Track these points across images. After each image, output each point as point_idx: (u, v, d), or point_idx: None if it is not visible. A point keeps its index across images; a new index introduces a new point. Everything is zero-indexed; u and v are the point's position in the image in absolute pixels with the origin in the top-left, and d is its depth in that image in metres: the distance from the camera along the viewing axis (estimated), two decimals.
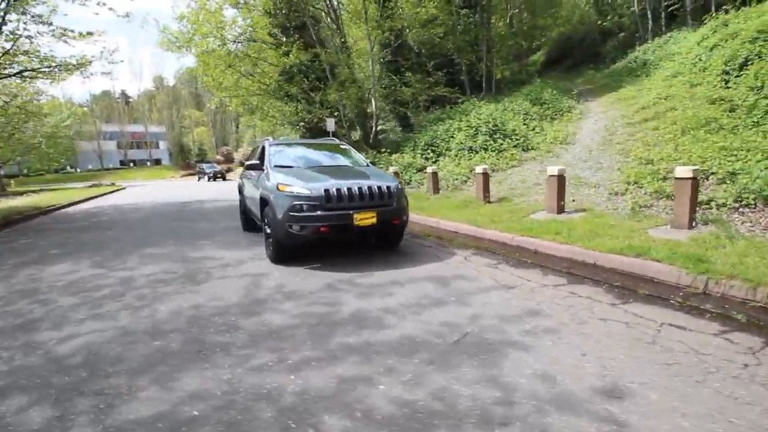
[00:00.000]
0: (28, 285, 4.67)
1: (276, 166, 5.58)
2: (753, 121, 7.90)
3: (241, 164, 42.14)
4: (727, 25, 14.08)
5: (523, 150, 11.43)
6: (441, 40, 17.89)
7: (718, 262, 3.79)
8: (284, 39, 14.11)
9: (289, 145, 6.34)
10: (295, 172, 5.30)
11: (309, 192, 4.61)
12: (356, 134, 17.24)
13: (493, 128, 12.01)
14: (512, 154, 11.11)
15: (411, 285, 4.08)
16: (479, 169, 8.04)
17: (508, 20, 20.22)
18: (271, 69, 15.39)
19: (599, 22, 25.07)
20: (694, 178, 4.82)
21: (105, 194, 20.60)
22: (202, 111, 59.80)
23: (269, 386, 2.36)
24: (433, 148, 12.60)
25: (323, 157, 6.20)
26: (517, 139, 11.70)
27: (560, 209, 6.44)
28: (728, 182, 6.04)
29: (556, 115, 14.21)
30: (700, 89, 11.37)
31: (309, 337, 2.98)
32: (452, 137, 12.51)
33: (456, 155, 11.88)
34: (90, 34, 11.66)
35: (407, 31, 16.35)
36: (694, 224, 4.89)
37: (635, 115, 12.08)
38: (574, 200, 7.15)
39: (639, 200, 6.41)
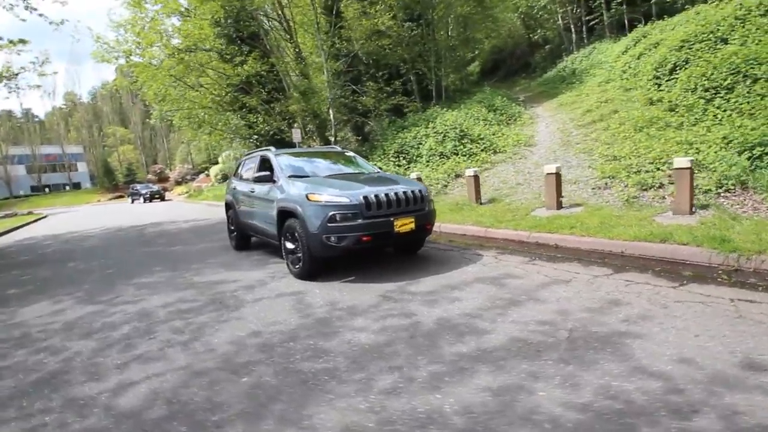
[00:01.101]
0: (11, 332, 3.85)
1: (291, 176, 5.21)
2: (695, 118, 8.90)
3: (179, 183, 39.33)
4: (646, 36, 15.94)
5: (492, 153, 11.90)
6: (390, 52, 18.17)
7: (739, 241, 4.18)
8: (237, 48, 13.39)
9: (294, 154, 5.97)
10: (318, 181, 4.99)
11: (348, 200, 4.34)
12: (315, 144, 16.84)
13: (461, 134, 12.38)
14: (483, 158, 11.51)
15: (468, 288, 3.98)
16: (470, 172, 8.20)
17: (448, 33, 21.10)
18: (222, 80, 14.54)
19: (527, 36, 27.19)
20: (690, 168, 5.31)
21: (26, 224, 17.95)
22: (127, 128, 54.79)
23: (423, 409, 2.13)
24: (404, 155, 12.67)
25: (335, 165, 5.91)
26: (484, 143, 12.16)
27: (559, 205, 6.75)
28: (697, 171, 6.76)
29: (509, 120, 15.02)
30: (636, 93, 12.67)
31: (416, 352, 2.76)
32: (421, 144, 12.68)
33: (428, 161, 12.05)
34: (23, 41, 10.14)
35: (357, 43, 16.36)
36: (693, 210, 5.38)
37: (583, 117, 13.10)
38: (563, 196, 7.55)
39: (626, 192, 6.93)
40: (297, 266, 4.76)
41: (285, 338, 3.14)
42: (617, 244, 4.88)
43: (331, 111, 15.71)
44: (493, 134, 13.13)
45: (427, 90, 20.09)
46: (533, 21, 26.12)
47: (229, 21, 14.07)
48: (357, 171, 5.81)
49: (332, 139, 16.32)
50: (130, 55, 12.59)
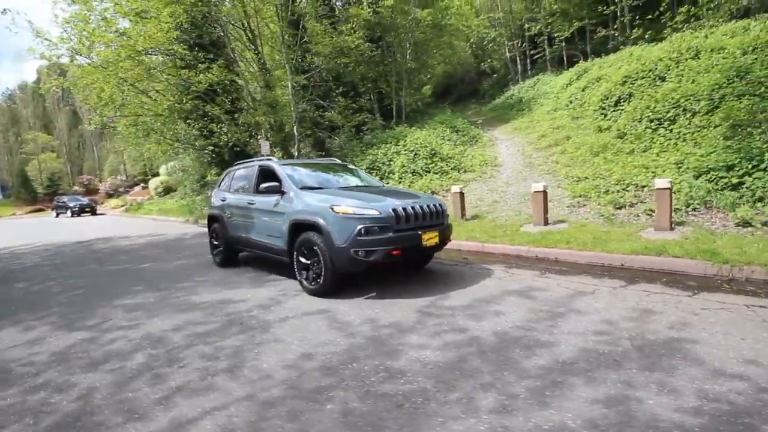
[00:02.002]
0: (3, 367, 3.19)
1: (303, 188, 4.96)
2: (644, 145, 9.90)
3: (110, 196, 35.71)
4: (587, 71, 17.63)
5: (461, 172, 12.31)
6: (351, 70, 18.35)
7: (727, 254, 4.66)
8: (200, 55, 12.70)
9: (299, 165, 5.69)
10: (337, 192, 4.79)
11: (378, 213, 4.20)
12: (278, 157, 16.31)
13: (431, 152, 12.69)
14: (454, 176, 11.87)
15: (503, 302, 4.00)
16: (455, 189, 8.40)
17: (406, 57, 21.81)
18: (180, 87, 13.68)
19: (476, 65, 28.88)
20: (670, 189, 5.87)
21: None
22: (51, 134, 48.87)
23: (547, 426, 2.06)
24: (375, 171, 12.68)
25: (342, 178, 5.73)
26: (454, 162, 12.56)
27: (545, 221, 7.11)
28: (650, 193, 7.49)
29: (471, 141, 15.71)
30: (584, 121, 13.88)
31: (496, 367, 2.69)
32: (392, 161, 12.79)
33: (400, 178, 12.16)
34: None
35: (319, 58, 16.32)
36: (673, 226, 5.92)
37: (539, 141, 14.05)
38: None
39: (600, 211, 7.48)
40: (314, 283, 4.49)
41: (344, 359, 2.91)
42: (616, 258, 5.22)
43: (295, 126, 15.41)
44: (460, 154, 13.63)
45: (388, 109, 20.48)
46: (481, 51, 27.85)
47: (192, 26, 13.38)
48: (365, 184, 5.69)
49: (295, 153, 15.95)
50: (77, 54, 11.42)
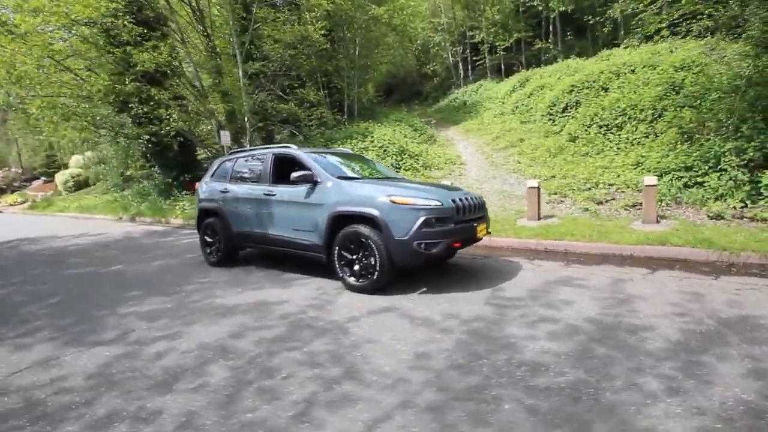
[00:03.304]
0: (27, 397, 2.44)
1: (340, 177, 4.59)
2: (598, 148, 10.90)
3: (2, 191, 29.90)
4: (528, 80, 18.94)
5: (430, 169, 12.48)
6: (303, 63, 17.68)
7: (720, 242, 5.28)
8: (146, 31, 11.24)
9: (319, 154, 5.25)
10: (381, 182, 4.52)
11: (440, 204, 4.03)
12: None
13: (400, 149, 12.68)
14: (425, 174, 11.99)
15: (559, 292, 4.06)
16: (446, 184, 8.44)
17: (356, 53, 21.60)
18: (118, 66, 12.00)
19: (418, 67, 29.55)
20: (655, 186, 6.50)
21: None
22: None
23: (733, 400, 2.11)
24: None
25: (365, 168, 5.42)
26: (422, 160, 12.68)
27: (539, 216, 7.47)
28: (625, 190, 8.30)
29: (429, 140, 16.01)
30: (533, 125, 14.92)
31: (627, 353, 2.70)
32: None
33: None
34: None
35: (268, 45, 15.47)
36: (659, 219, 6.57)
37: (495, 142, 14.77)
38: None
39: (581, 206, 8.05)
40: (362, 279, 4.18)
41: (467, 356, 2.73)
42: (625, 248, 5.63)
43: (246, 116, 14.39)
44: (425, 152, 13.81)
45: (337, 105, 20.08)
46: (423, 55, 28.55)
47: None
48: (392, 175, 5.46)
49: (247, 145, 14.91)
50: None
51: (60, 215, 16.96)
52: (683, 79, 10.77)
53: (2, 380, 2.70)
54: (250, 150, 5.87)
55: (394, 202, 4.01)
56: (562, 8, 20.74)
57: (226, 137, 11.46)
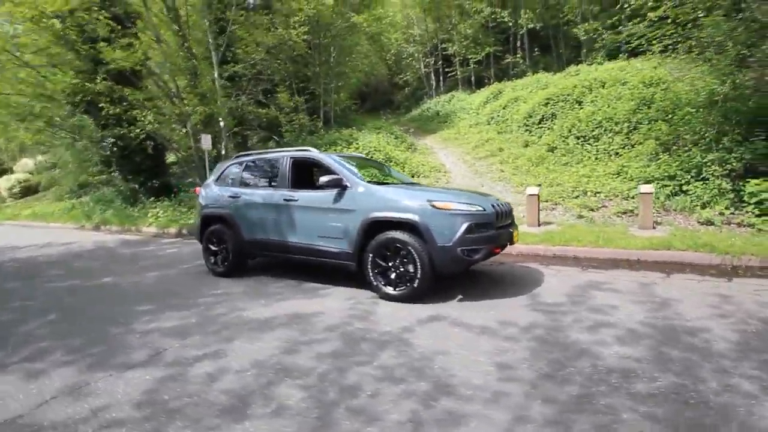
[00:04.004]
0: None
1: (373, 182, 4.43)
2: (578, 159, 11.37)
3: None
4: (501, 92, 19.56)
5: (417, 177, 12.49)
6: (279, 68, 17.31)
7: (720, 246, 5.59)
8: (119, 27, 10.51)
9: (341, 157, 5.03)
10: (414, 188, 4.40)
11: (483, 209, 3.96)
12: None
13: (386, 156, 12.62)
14: (413, 181, 11.99)
15: (595, 296, 4.08)
16: None
17: (331, 60, 21.47)
18: (86, 64, 11.12)
19: (389, 76, 29.79)
20: (651, 193, 6.82)
21: None
22: None
23: None
24: None
25: (385, 173, 5.28)
26: (408, 167, 12.68)
27: (539, 222, 7.62)
28: (613, 198, 8.68)
29: (410, 148, 16.08)
30: (509, 136, 15.38)
31: (715, 356, 2.72)
32: None
33: None
34: None
35: (252, 51, 15.08)
36: (654, 225, 6.88)
37: (475, 151, 15.08)
38: (524, 215, 8.53)
39: (575, 213, 8.32)
40: (400, 288, 4.02)
41: (551, 365, 2.65)
42: (632, 253, 5.83)
43: (221, 121, 13.81)
44: (408, 160, 13.82)
45: (313, 111, 19.80)
46: (395, 65, 28.85)
47: None
48: (409, 181, 5.36)
49: (223, 151, 14.30)
50: None
51: (9, 223, 15.39)
52: (653, 95, 11.47)
53: (29, 414, 2.30)
54: (260, 153, 5.56)
55: (435, 208, 3.90)
56: (531, 25, 21.71)
57: (207, 141, 10.90)
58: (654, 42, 10.18)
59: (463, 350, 2.89)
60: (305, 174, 5.41)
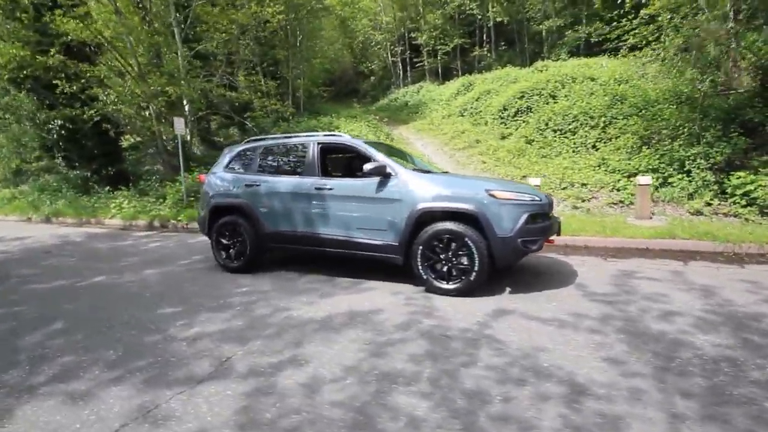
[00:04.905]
0: None
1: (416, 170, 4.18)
2: (556, 151, 11.75)
3: None
4: (471, 84, 19.80)
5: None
6: (246, 48, 16.32)
7: (720, 235, 5.95)
8: None
9: (374, 145, 4.71)
10: (459, 176, 4.23)
11: (539, 199, 3.87)
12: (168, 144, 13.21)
13: None
14: None
15: (636, 287, 4.09)
16: None
17: (299, 43, 20.60)
18: (32, 36, 9.71)
19: (355, 64, 29.18)
20: (649, 185, 7.13)
21: None
22: None
23: None
24: None
25: (411, 161, 5.05)
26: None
27: None
28: (600, 189, 9.05)
29: (387, 138, 15.86)
30: (485, 128, 15.62)
31: None
32: None
33: None
34: None
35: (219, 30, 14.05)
36: (651, 216, 7.21)
37: (452, 142, 15.16)
38: None
39: (575, 204, 8.55)
40: (455, 281, 3.85)
41: (664, 357, 2.60)
42: (640, 242, 6.06)
43: (187, 104, 12.78)
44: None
45: (282, 97, 18.95)
46: (362, 52, 28.30)
47: None
48: (435, 170, 5.16)
49: (188, 137, 13.26)
50: None
51: None
52: (624, 92, 12.06)
53: None
54: (279, 137, 5.10)
55: (495, 198, 3.75)
56: (499, 19, 22.10)
57: (180, 125, 9.99)
58: (626, 39, 10.70)
59: (559, 345, 2.78)
60: (335, 161, 5.04)
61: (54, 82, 9.32)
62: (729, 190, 7.14)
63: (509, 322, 3.20)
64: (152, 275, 4.95)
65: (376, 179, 4.14)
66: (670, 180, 8.12)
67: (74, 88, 9.46)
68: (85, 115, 10.70)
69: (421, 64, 24.92)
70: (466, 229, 3.75)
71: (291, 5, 15.70)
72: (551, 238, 4.06)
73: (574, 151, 11.28)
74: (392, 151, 5.35)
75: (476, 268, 3.74)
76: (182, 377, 2.47)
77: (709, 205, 7.16)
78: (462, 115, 18.00)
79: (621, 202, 8.22)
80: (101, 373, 2.55)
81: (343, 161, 5.46)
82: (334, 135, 4.78)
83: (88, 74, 9.59)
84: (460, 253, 3.81)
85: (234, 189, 4.92)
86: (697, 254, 5.52)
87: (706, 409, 2.04)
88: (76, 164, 13.68)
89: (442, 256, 3.90)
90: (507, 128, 14.68)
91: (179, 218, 9.37)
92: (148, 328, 3.25)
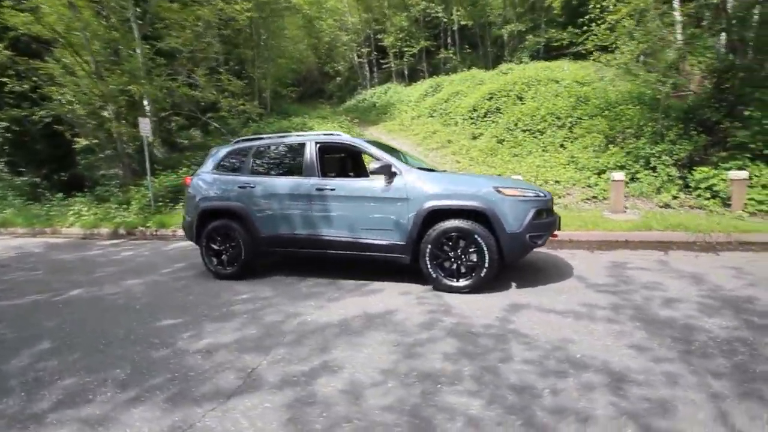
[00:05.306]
0: None
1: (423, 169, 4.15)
2: (528, 150, 12.15)
3: None
4: (439, 85, 20.11)
5: None
6: (207, 46, 15.73)
7: (691, 226, 6.35)
8: None
9: (372, 144, 4.62)
10: (462, 174, 4.22)
11: (543, 195, 3.95)
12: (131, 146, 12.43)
13: None
14: None
15: (631, 276, 4.28)
16: None
17: (260, 42, 20.12)
18: None
19: (319, 65, 28.83)
20: (624, 181, 7.50)
21: None
22: None
23: None
24: None
25: (408, 159, 5.01)
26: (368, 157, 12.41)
27: None
28: (572, 186, 9.44)
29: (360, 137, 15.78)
30: (455, 128, 15.90)
31: None
32: None
33: None
34: None
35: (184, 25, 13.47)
36: (624, 209, 7.59)
37: (425, 143, 15.34)
38: None
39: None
40: (465, 278, 3.85)
41: (684, 343, 2.71)
42: (618, 235, 6.36)
43: (148, 105, 12.10)
44: None
45: (250, 97, 18.41)
46: (327, 53, 28.00)
47: None
48: (432, 167, 5.17)
49: (150, 138, 12.57)
50: None
51: None
52: (587, 94, 12.66)
53: None
54: (274, 137, 4.90)
55: (503, 194, 3.79)
56: (463, 22, 22.59)
57: (146, 126, 9.43)
58: (585, 44, 11.26)
59: (584, 336, 2.84)
60: (329, 161, 4.91)
61: (2, 80, 8.50)
62: (692, 184, 7.66)
63: (527, 316, 3.23)
64: (136, 286, 4.61)
65: (380, 178, 4.08)
66: (637, 176, 8.60)
67: (25, 86, 8.67)
68: (35, 116, 9.87)
69: (387, 65, 25.00)
70: (475, 226, 3.77)
71: (257, 3, 15.28)
72: (555, 233, 4.16)
73: (544, 150, 11.68)
74: (389, 150, 5.29)
75: (486, 265, 3.77)
76: (209, 392, 2.30)
77: (676, 198, 7.65)
78: (432, 116, 18.24)
79: (594, 197, 8.60)
80: (114, 395, 2.33)
81: (336, 161, 5.34)
82: (332, 134, 4.67)
83: (41, 71, 8.82)
84: (470, 250, 3.82)
85: (226, 191, 4.68)
86: (674, 244, 5.86)
87: (739, 387, 2.15)
88: (23, 170, 12.61)
89: (450, 254, 3.89)
90: (477, 128, 14.98)
91: (148, 225, 8.83)
92: (152, 342, 3.01)
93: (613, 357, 2.52)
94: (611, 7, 9.79)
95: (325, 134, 4.67)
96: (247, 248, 4.55)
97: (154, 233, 8.57)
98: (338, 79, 28.42)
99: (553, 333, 2.89)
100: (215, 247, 4.71)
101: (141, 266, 5.64)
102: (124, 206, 10.16)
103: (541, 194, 3.97)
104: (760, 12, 7.56)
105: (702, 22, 9.89)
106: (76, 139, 13.19)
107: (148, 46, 11.71)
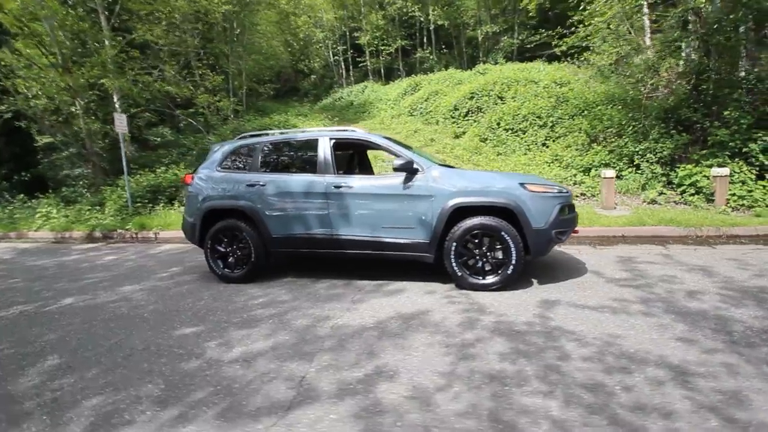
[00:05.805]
0: None
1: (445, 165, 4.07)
2: (512, 149, 12.37)
3: None
4: (418, 85, 20.16)
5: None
6: (179, 39, 15.08)
7: (682, 220, 6.61)
8: None
9: (384, 138, 4.48)
10: (492, 171, 4.16)
11: (566, 192, 3.95)
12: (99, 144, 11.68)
13: None
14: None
15: (644, 270, 4.39)
16: None
17: (236, 39, 19.52)
18: None
19: (293, 63, 28.26)
20: (614, 178, 7.72)
21: None
22: None
23: None
24: None
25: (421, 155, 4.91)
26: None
27: None
28: (558, 183, 9.67)
29: None
30: (437, 127, 16.00)
31: None
32: None
33: None
34: None
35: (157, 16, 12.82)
36: (615, 206, 7.82)
37: (406, 141, 15.29)
38: None
39: None
40: (491, 276, 3.80)
41: (723, 333, 2.76)
42: (616, 230, 6.54)
43: (117, 100, 11.42)
44: None
45: (225, 93, 17.79)
46: (302, 51, 27.48)
47: None
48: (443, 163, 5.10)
49: (126, 136, 11.87)
50: None
51: None
52: (564, 94, 13.01)
53: None
54: (285, 133, 4.67)
55: (529, 190, 3.77)
56: (440, 22, 22.75)
57: (122, 122, 8.87)
58: (560, 46, 11.57)
59: (628, 331, 2.84)
60: (341, 157, 4.74)
61: None
62: (676, 181, 7.99)
63: (564, 312, 3.22)
64: (135, 293, 4.28)
65: (401, 176, 3.97)
66: (622, 173, 8.88)
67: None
68: None
69: (364, 63, 24.86)
70: (502, 223, 3.73)
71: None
72: (576, 228, 4.19)
73: (527, 149, 11.90)
74: (406, 147, 5.18)
75: (513, 262, 3.73)
76: (263, 405, 2.12)
77: (662, 194, 7.95)
78: (412, 115, 18.28)
79: (583, 194, 8.82)
80: (155, 414, 2.10)
81: (344, 157, 5.18)
82: (347, 130, 4.51)
83: (2, 63, 8.11)
84: (497, 247, 3.78)
85: (233, 190, 4.42)
86: (669, 238, 6.07)
87: None
88: None
89: (475, 252, 3.84)
90: (459, 127, 15.11)
91: (127, 227, 8.32)
92: (177, 353, 2.77)
93: (665, 350, 2.53)
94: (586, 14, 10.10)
95: (338, 130, 4.50)
96: (258, 250, 4.31)
97: (135, 236, 8.07)
98: (313, 77, 28.00)
99: (597, 329, 2.88)
100: (221, 249, 4.45)
101: (132, 271, 5.26)
102: (97, 208, 9.54)
103: (564, 190, 3.99)
104: (732, 18, 7.98)
105: (671, 27, 10.35)
106: (38, 137, 12.30)
107: (119, 38, 11.05)
